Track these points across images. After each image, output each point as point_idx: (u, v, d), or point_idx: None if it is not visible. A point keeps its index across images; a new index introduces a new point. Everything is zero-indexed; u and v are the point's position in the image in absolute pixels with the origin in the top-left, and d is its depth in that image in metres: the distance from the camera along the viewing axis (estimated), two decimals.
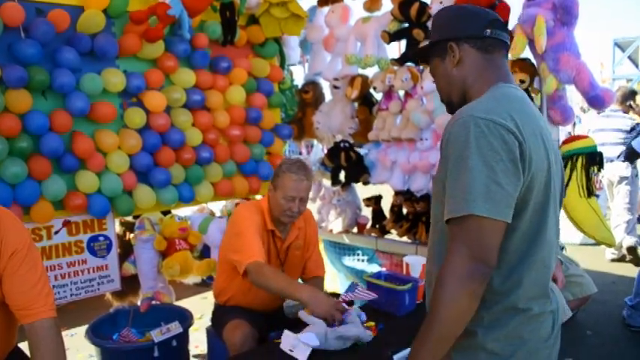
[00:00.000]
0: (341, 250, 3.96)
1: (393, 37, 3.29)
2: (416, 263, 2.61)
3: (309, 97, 4.03)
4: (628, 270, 4.96)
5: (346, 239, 3.91)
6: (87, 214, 2.80)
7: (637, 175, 5.35)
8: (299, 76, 4.27)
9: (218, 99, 3.23)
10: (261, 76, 3.52)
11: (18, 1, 2.45)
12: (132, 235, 3.23)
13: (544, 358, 1.33)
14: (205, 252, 3.52)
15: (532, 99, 2.92)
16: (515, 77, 2.84)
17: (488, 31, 1.35)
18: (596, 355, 3.35)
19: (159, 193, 3.01)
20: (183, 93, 3.05)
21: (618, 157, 5.15)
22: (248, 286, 2.39)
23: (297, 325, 2.06)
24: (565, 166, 2.85)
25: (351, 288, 2.21)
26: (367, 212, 4.00)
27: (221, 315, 2.56)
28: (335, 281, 4.07)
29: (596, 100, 2.70)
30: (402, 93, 3.48)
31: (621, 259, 5.33)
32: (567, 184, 2.83)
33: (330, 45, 3.73)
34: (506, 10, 2.83)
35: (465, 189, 1.15)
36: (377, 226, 3.85)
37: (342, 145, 3.75)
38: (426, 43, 1.47)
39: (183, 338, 2.87)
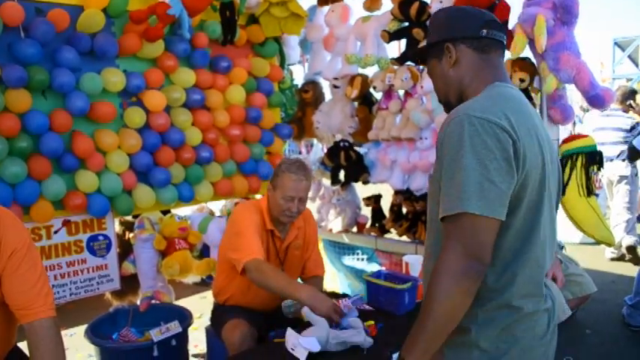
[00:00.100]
0: (340, 249, 3.96)
1: (392, 36, 3.28)
2: (415, 262, 2.61)
3: (308, 96, 4.03)
4: (627, 269, 4.96)
5: (346, 238, 3.91)
6: (86, 213, 2.80)
7: (637, 175, 5.35)
8: (299, 75, 4.28)
9: (218, 98, 3.22)
10: (261, 75, 3.52)
11: (17, 1, 2.44)
12: (131, 235, 3.23)
13: (540, 355, 1.34)
14: (205, 251, 3.52)
15: (532, 98, 2.92)
16: (515, 76, 2.84)
17: (485, 31, 1.36)
18: (596, 354, 3.35)
19: (158, 192, 3.00)
20: (183, 92, 3.04)
21: (618, 156, 5.16)
22: (247, 286, 2.39)
23: (297, 325, 2.06)
24: (565, 165, 2.85)
25: (357, 302, 2.19)
26: (367, 211, 4.00)
27: (220, 314, 2.56)
28: (335, 281, 4.07)
29: (597, 100, 2.70)
30: (401, 92, 3.48)
31: (621, 258, 5.34)
32: (567, 183, 2.83)
33: (330, 44, 3.73)
34: (507, 9, 2.83)
35: (459, 187, 1.16)
36: (376, 225, 3.85)
37: (341, 144, 3.75)
38: (425, 43, 1.48)
39: (182, 338, 2.87)
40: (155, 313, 3.03)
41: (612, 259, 5.36)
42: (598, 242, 3.04)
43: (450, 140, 1.21)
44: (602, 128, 5.24)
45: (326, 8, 3.77)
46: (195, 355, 3.45)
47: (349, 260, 3.89)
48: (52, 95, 2.64)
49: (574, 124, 6.94)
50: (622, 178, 5.25)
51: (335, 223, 3.92)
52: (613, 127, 5.21)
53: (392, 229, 3.75)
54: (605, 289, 4.27)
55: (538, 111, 2.91)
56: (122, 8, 2.77)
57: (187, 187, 3.15)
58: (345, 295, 2.42)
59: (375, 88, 3.54)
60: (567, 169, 2.85)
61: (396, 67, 3.41)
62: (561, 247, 4.06)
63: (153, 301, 3.11)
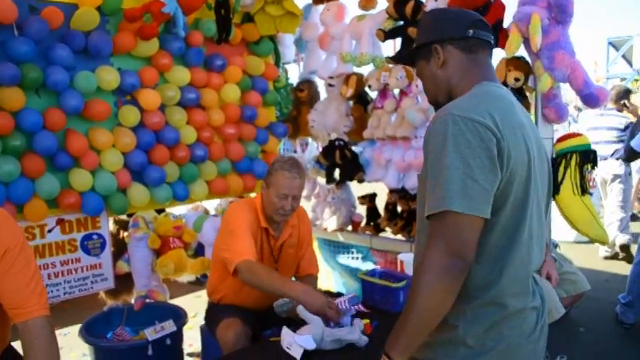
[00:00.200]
0: (335, 248, 3.96)
1: (388, 35, 3.29)
2: (410, 261, 2.62)
3: (304, 95, 4.03)
4: (621, 268, 4.99)
5: (341, 237, 3.91)
6: (80, 212, 2.79)
7: (630, 174, 5.39)
8: (294, 74, 4.27)
9: (213, 97, 3.22)
10: (256, 74, 3.52)
11: None
12: (126, 234, 3.22)
13: (528, 352, 1.35)
14: (199, 250, 3.52)
15: (527, 97, 2.93)
16: (509, 75, 2.85)
17: (471, 31, 1.38)
18: (589, 352, 3.37)
19: (153, 191, 3.00)
20: (177, 91, 3.04)
21: (612, 155, 5.18)
22: (240, 285, 2.38)
23: (291, 324, 2.06)
24: (559, 164, 2.86)
25: (353, 301, 2.19)
26: (362, 210, 4.01)
27: (214, 313, 2.56)
28: (329, 279, 4.07)
29: (591, 99, 2.71)
30: (397, 91, 3.48)
31: (614, 256, 5.37)
32: (561, 182, 2.84)
33: (326, 43, 3.72)
34: (502, 8, 2.84)
35: (443, 186, 1.18)
36: (371, 224, 3.85)
37: (337, 143, 3.74)
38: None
39: (177, 337, 2.87)
40: (150, 312, 3.02)
41: (606, 258, 5.39)
42: (592, 241, 3.05)
43: (434, 139, 1.23)
44: (596, 127, 5.27)
45: (321, 7, 3.77)
46: (189, 354, 3.44)
47: (344, 259, 3.89)
48: (46, 93, 2.63)
49: (569, 123, 6.97)
50: (616, 177, 5.27)
51: (330, 221, 3.92)
52: (607, 126, 5.23)
53: (387, 228, 3.76)
54: (599, 288, 4.29)
55: (533, 110, 2.92)
56: (116, 6, 2.76)
57: (182, 186, 3.14)
58: (339, 295, 2.42)
59: (370, 86, 3.54)
60: (561, 168, 2.86)
61: (391, 65, 3.41)
62: (555, 246, 4.07)
63: (147, 300, 3.11)
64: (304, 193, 3.93)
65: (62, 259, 2.81)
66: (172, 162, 3.07)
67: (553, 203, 2.94)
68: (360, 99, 3.70)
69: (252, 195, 3.54)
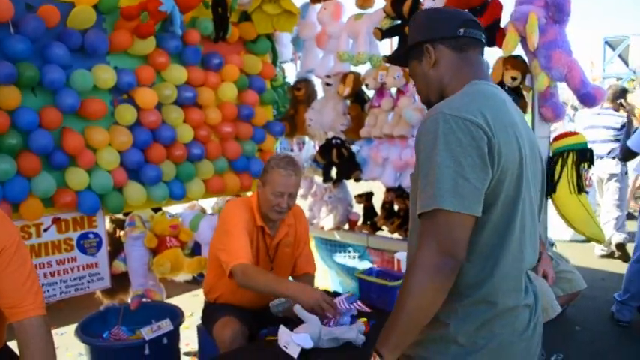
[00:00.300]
0: (332, 246, 3.96)
1: (385, 34, 3.28)
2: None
3: (301, 94, 4.02)
4: (617, 266, 5.00)
5: (337, 236, 3.91)
6: (77, 211, 2.79)
7: (626, 173, 5.41)
8: (291, 73, 4.26)
9: (210, 96, 3.21)
10: (253, 72, 3.51)
11: None
12: (122, 233, 3.21)
13: (520, 350, 1.35)
14: (196, 249, 3.51)
15: (524, 96, 2.93)
16: (506, 74, 2.85)
17: (462, 30, 1.39)
18: (585, 351, 3.38)
19: (149, 190, 2.99)
20: (174, 89, 3.03)
21: (608, 154, 5.20)
22: (236, 284, 2.38)
23: (288, 323, 2.06)
24: (556, 163, 2.87)
25: (351, 299, 2.19)
26: (359, 209, 4.00)
27: (211, 312, 2.55)
28: (326, 278, 4.07)
29: (587, 98, 2.72)
30: (394, 90, 3.48)
31: (610, 255, 5.39)
32: (558, 181, 2.85)
33: (323, 42, 3.72)
34: (499, 7, 2.84)
35: (434, 184, 1.19)
36: (368, 222, 3.85)
37: (334, 141, 3.74)
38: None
39: (173, 336, 2.86)
40: (146, 312, 3.02)
41: (602, 257, 5.41)
42: (588, 239, 3.06)
43: (425, 138, 1.24)
44: (592, 126, 5.28)
45: (318, 6, 3.77)
46: (186, 353, 3.44)
47: (341, 258, 3.90)
48: (42, 92, 2.62)
49: (567, 120, 6.98)
50: (612, 176, 5.29)
51: (327, 220, 3.92)
52: (604, 125, 5.25)
53: (384, 227, 3.76)
54: (595, 286, 4.30)
55: (530, 109, 2.92)
56: (113, 4, 2.75)
57: (178, 185, 3.13)
58: (336, 294, 2.42)
59: (367, 85, 3.54)
60: (558, 167, 2.87)
61: (388, 64, 3.41)
62: (551, 244, 4.09)
63: (144, 300, 3.10)
64: (301, 191, 3.94)
65: (58, 258, 2.80)
66: (169, 161, 3.06)
67: (549, 202, 2.95)
68: (358, 98, 3.70)
69: (249, 194, 3.53)
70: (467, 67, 1.39)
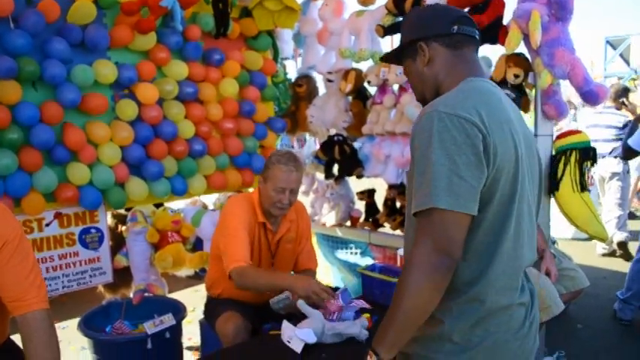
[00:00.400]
0: (334, 243, 3.96)
1: (387, 30, 3.27)
2: None
3: (302, 90, 4.02)
4: (618, 265, 5.00)
5: (339, 232, 3.91)
6: (78, 206, 2.78)
7: (628, 172, 5.41)
8: (292, 70, 4.26)
9: (211, 91, 3.21)
10: (255, 68, 3.51)
11: None
12: (124, 228, 3.21)
13: (515, 348, 1.35)
14: (198, 244, 3.51)
15: (526, 94, 2.92)
16: (509, 72, 2.85)
17: (455, 27, 1.37)
18: (587, 349, 3.38)
19: (151, 185, 2.99)
20: (175, 85, 3.02)
21: (610, 153, 5.19)
22: None
23: (291, 318, 2.06)
24: (559, 161, 2.86)
25: (344, 294, 2.19)
26: (360, 206, 4.00)
27: (213, 307, 2.56)
28: (328, 274, 4.07)
29: (590, 96, 2.71)
30: (396, 87, 3.47)
31: (612, 254, 5.39)
32: (561, 179, 2.85)
33: (324, 38, 3.71)
34: (501, 4, 2.83)
35: (429, 183, 1.18)
36: (370, 219, 3.85)
37: (335, 138, 3.74)
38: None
39: (176, 330, 2.87)
40: (148, 306, 3.02)
41: (603, 255, 5.41)
42: (591, 237, 3.06)
43: (420, 136, 1.23)
44: (595, 125, 5.28)
45: (320, 2, 3.75)
46: (189, 348, 3.44)
47: (342, 254, 3.90)
48: (43, 87, 2.62)
49: (572, 119, 6.97)
50: (614, 174, 5.29)
51: (328, 217, 3.92)
52: (606, 124, 5.25)
53: (385, 224, 3.75)
54: (597, 285, 4.30)
55: (532, 107, 2.92)
56: None
57: (180, 180, 3.13)
58: (335, 290, 2.43)
59: (369, 82, 3.53)
60: (561, 165, 2.86)
61: None
62: (553, 242, 4.08)
63: (146, 294, 3.11)
64: (303, 188, 3.93)
65: (60, 252, 2.80)
66: (170, 156, 3.06)
67: (552, 200, 2.94)
68: (359, 94, 3.69)
69: (251, 190, 3.53)
70: (461, 64, 1.38)
